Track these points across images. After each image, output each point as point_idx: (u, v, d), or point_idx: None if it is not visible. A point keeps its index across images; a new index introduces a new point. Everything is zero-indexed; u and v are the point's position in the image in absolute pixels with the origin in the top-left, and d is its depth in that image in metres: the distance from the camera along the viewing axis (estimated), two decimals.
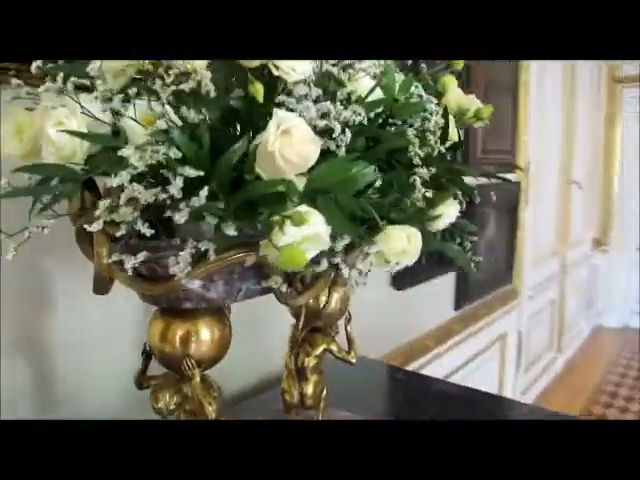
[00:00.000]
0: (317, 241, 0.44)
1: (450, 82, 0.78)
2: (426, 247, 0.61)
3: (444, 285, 1.91)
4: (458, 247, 0.71)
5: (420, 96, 0.68)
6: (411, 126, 0.63)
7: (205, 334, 0.63)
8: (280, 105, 0.51)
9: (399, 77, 0.67)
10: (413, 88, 0.68)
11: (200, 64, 0.45)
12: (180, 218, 0.39)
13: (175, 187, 0.39)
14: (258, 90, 0.49)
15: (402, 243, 0.53)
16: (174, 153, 0.41)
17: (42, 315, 0.83)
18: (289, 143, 0.45)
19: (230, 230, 0.42)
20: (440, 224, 0.69)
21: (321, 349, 0.81)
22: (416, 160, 0.59)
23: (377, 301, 1.55)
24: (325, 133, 0.53)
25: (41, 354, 0.83)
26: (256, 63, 0.48)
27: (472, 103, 0.75)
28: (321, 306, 0.79)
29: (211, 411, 0.61)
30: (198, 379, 0.61)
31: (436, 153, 0.61)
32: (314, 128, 0.49)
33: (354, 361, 0.83)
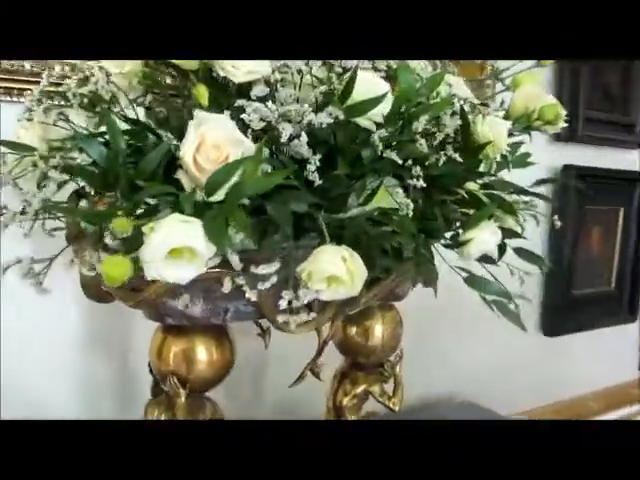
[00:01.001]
0: (193, 255, 0.38)
1: (524, 79, 0.63)
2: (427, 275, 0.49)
3: (624, 336, 1.56)
4: (499, 287, 0.55)
5: (454, 95, 0.56)
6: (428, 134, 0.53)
7: (199, 354, 0.60)
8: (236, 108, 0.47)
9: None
10: (446, 87, 0.57)
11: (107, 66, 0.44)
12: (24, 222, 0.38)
13: (50, 191, 0.38)
14: (201, 93, 0.45)
15: (331, 267, 0.42)
16: (82, 158, 0.40)
17: (124, 316, 0.89)
18: (204, 149, 0.41)
19: (108, 240, 0.39)
20: (472, 251, 0.55)
21: (360, 389, 0.72)
22: (416, 170, 0.48)
23: (517, 348, 1.33)
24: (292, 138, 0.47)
25: (124, 354, 0.89)
26: (196, 66, 0.45)
27: (542, 102, 0.59)
28: (365, 340, 0.70)
29: None
30: (182, 399, 0.58)
31: (444, 160, 0.49)
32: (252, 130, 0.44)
33: (397, 409, 0.71)
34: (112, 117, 0.41)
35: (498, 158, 0.57)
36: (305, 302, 0.46)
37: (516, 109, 0.61)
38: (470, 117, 0.55)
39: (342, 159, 0.50)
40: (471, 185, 0.56)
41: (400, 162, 0.47)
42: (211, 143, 0.41)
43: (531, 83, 0.63)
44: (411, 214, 0.47)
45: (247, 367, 0.73)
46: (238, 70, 0.45)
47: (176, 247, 0.38)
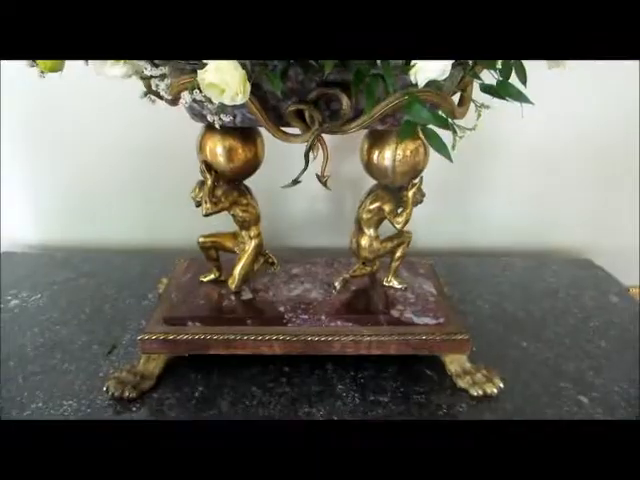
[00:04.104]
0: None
1: None
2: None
3: None
4: (429, 112, 0.54)
5: None
6: None
7: (226, 149, 0.75)
8: None
9: None
10: None
11: None
12: None
13: None
14: None
15: (210, 76, 0.49)
16: None
17: None
18: None
19: None
20: (419, 76, 0.55)
21: (374, 205, 0.80)
22: None
23: None
24: None
25: None
26: None
27: None
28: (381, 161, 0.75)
29: (204, 208, 0.76)
30: (209, 182, 0.76)
31: None
32: None
33: (398, 227, 0.78)
34: None
35: None
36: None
37: None
38: None
39: None
40: None
41: None
42: None
43: None
44: None
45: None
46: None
47: None
